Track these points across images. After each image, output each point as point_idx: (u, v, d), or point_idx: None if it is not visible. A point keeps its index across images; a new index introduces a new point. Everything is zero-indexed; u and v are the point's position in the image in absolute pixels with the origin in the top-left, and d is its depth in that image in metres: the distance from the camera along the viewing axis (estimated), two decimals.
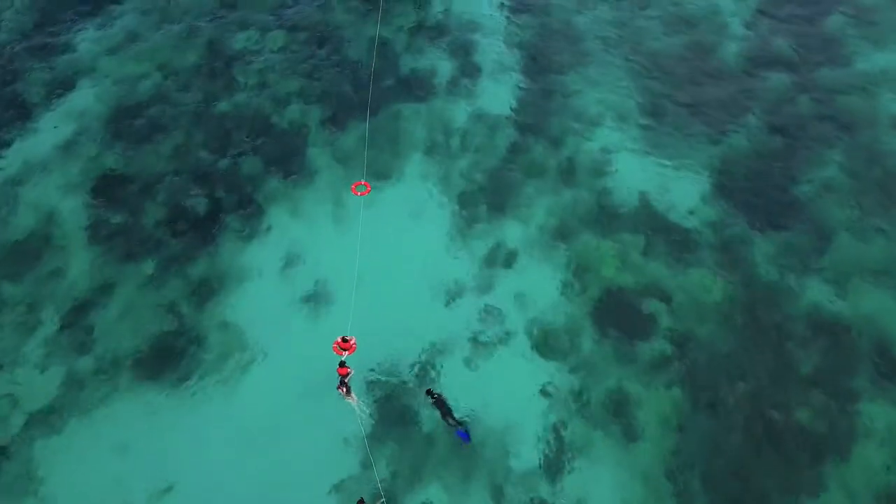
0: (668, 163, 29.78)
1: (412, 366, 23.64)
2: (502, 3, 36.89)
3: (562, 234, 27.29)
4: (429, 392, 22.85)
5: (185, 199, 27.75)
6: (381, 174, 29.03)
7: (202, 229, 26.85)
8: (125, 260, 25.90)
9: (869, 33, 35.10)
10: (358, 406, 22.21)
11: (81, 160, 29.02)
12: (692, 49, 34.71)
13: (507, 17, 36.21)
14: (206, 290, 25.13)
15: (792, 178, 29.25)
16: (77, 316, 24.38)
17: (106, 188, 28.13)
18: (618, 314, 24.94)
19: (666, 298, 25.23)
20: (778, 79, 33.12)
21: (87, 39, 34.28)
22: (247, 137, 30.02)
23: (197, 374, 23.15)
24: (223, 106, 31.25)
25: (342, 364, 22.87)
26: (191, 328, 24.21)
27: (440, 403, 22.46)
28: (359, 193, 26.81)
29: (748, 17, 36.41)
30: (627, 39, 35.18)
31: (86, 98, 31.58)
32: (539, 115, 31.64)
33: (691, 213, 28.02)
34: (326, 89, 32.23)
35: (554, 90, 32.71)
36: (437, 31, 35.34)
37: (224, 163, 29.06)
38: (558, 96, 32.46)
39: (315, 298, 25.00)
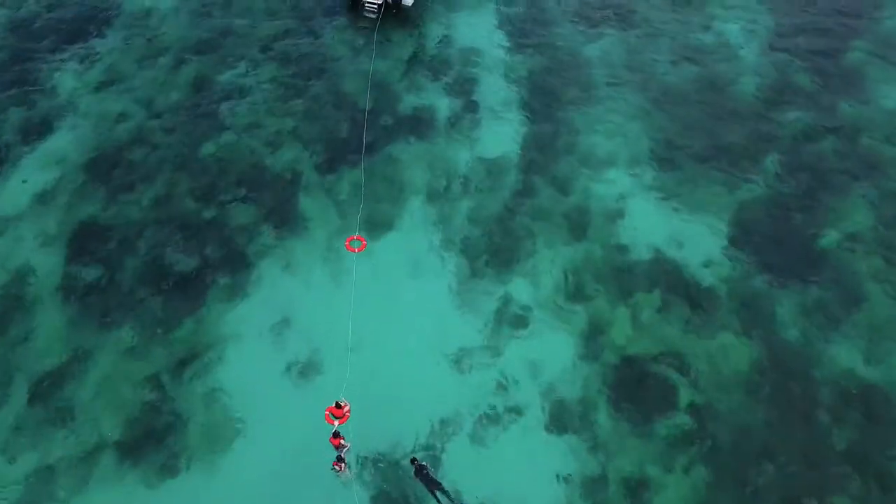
0: (683, 211, 28.04)
1: (413, 443, 21.77)
2: (504, 33, 35.15)
3: (573, 291, 25.49)
4: (413, 461, 20.96)
5: (168, 254, 25.82)
6: (377, 223, 27.19)
7: (187, 287, 24.93)
8: (103, 323, 23.95)
9: (890, 67, 33.52)
10: (352, 478, 20.45)
11: (57, 209, 27.04)
12: (704, 84, 33.01)
13: (509, 48, 34.46)
14: (190, 359, 23.19)
15: (815, 226, 27.56)
16: (49, 389, 22.42)
17: (83, 241, 26.16)
18: (635, 384, 23.15)
19: (685, 366, 23.45)
20: (796, 117, 31.45)
21: (66, 75, 32.30)
22: (235, 184, 28.09)
23: (182, 457, 21.21)
24: (210, 148, 29.33)
25: (336, 434, 21.07)
26: (174, 402, 22.27)
27: (426, 478, 20.52)
28: (353, 249, 24.94)
29: (761, 50, 34.77)
30: (636, 73, 33.46)
31: (64, 140, 29.59)
32: (545, 156, 29.87)
33: (709, 267, 26.26)
34: (320, 129, 30.35)
35: (560, 129, 30.95)
36: (436, 63, 33.54)
37: (210, 212, 27.15)
38: (565, 136, 30.69)
39: (307, 366, 23.09)
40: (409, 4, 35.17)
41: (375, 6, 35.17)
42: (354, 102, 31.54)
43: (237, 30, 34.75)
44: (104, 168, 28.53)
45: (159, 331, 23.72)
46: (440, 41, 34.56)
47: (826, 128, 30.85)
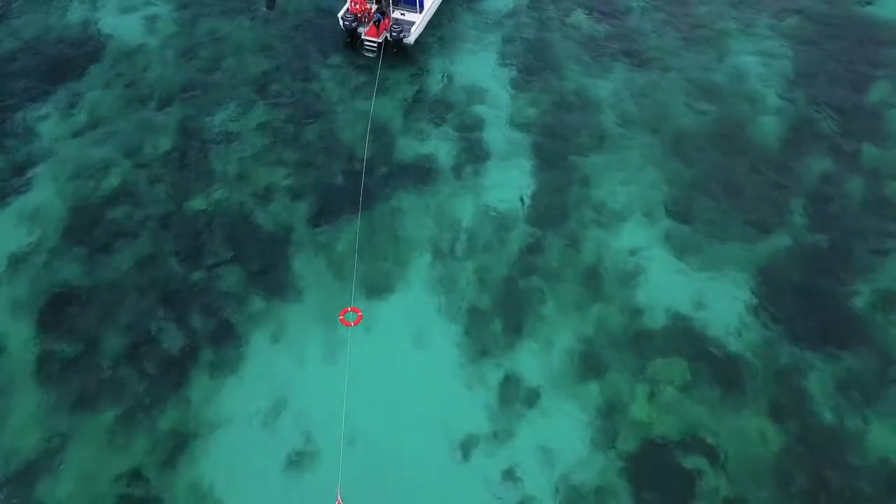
0: (703, 267, 26.24)
1: None
2: (508, 71, 33.31)
3: (588, 362, 23.66)
4: None
5: (151, 325, 23.97)
6: (375, 285, 25.37)
7: (171, 364, 23.06)
8: (80, 406, 22.08)
9: None
10: None
11: (31, 274, 25.19)
12: (721, 126, 31.19)
13: (514, 88, 32.61)
14: (175, 447, 21.31)
15: (846, 284, 25.76)
16: (20, 484, 20.55)
17: (59, 310, 24.31)
18: (656, 471, 21.29)
19: (711, 451, 21.61)
20: (821, 161, 29.66)
21: (45, 119, 30.45)
22: (223, 243, 26.24)
23: None
24: (198, 203, 27.49)
25: None
26: (157, 498, 20.42)
27: None
28: (348, 323, 23.15)
29: (781, 86, 32.96)
30: (649, 115, 31.62)
31: (41, 193, 27.75)
32: (555, 208, 28.04)
33: (733, 333, 24.43)
34: (313, 180, 28.51)
35: (570, 177, 29.12)
36: (438, 105, 31.70)
37: (198, 276, 25.31)
38: (576, 185, 28.87)
39: (301, 458, 21.20)
40: (411, 42, 33.37)
41: (375, 44, 33.36)
42: (351, 149, 29.71)
43: (227, 68, 32.91)
44: (84, 225, 26.68)
45: (141, 416, 21.86)
46: (442, 81, 32.72)
47: (852, 174, 29.05)
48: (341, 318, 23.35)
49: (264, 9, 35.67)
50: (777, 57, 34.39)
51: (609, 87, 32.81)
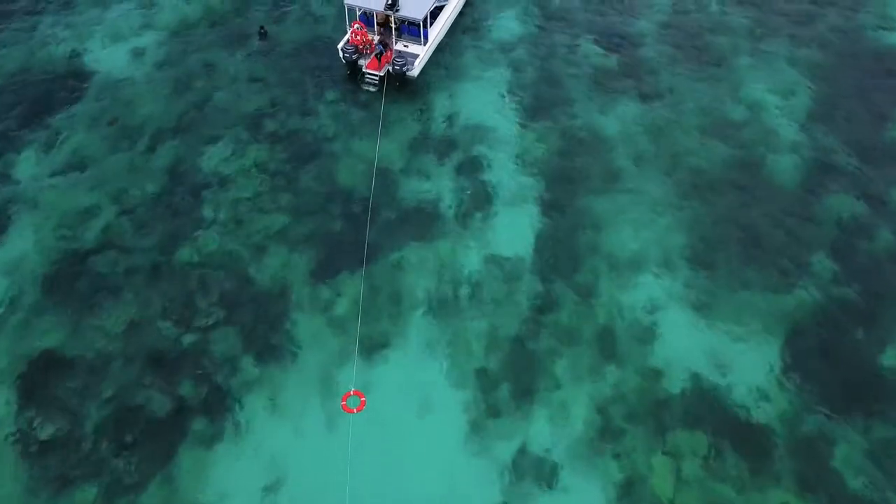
0: (723, 324, 24.81)
1: None
2: (514, 106, 31.85)
3: (604, 432, 22.17)
4: None
5: (136, 395, 22.37)
6: (378, 345, 23.85)
7: (158, 438, 21.47)
8: (60, 488, 20.48)
9: None
10: None
11: (9, 336, 23.57)
12: (738, 166, 29.79)
13: (521, 125, 31.13)
14: None
15: (875, 342, 24.36)
16: None
17: (39, 379, 22.68)
18: None
19: None
20: (844, 203, 28.29)
21: (27, 160, 28.88)
22: (216, 300, 24.68)
23: None
24: (187, 254, 25.91)
25: None
26: None
27: None
28: (350, 409, 21.61)
29: (797, 122, 31.61)
30: (662, 153, 30.20)
31: (21, 243, 26.16)
32: (566, 258, 26.58)
33: (757, 399, 22.97)
34: (312, 228, 26.97)
35: (581, 224, 27.66)
36: (442, 144, 30.18)
37: (188, 338, 23.71)
38: (587, 232, 27.41)
39: None
40: (415, 76, 31.86)
41: (376, 78, 31.82)
42: (351, 193, 28.19)
43: (220, 103, 31.34)
44: (66, 280, 25.08)
45: (124, 497, 20.26)
46: (446, 117, 31.21)
47: (878, 219, 27.68)
48: (343, 403, 21.81)
49: (258, 41, 34.09)
50: (793, 90, 33.03)
51: (620, 122, 31.38)
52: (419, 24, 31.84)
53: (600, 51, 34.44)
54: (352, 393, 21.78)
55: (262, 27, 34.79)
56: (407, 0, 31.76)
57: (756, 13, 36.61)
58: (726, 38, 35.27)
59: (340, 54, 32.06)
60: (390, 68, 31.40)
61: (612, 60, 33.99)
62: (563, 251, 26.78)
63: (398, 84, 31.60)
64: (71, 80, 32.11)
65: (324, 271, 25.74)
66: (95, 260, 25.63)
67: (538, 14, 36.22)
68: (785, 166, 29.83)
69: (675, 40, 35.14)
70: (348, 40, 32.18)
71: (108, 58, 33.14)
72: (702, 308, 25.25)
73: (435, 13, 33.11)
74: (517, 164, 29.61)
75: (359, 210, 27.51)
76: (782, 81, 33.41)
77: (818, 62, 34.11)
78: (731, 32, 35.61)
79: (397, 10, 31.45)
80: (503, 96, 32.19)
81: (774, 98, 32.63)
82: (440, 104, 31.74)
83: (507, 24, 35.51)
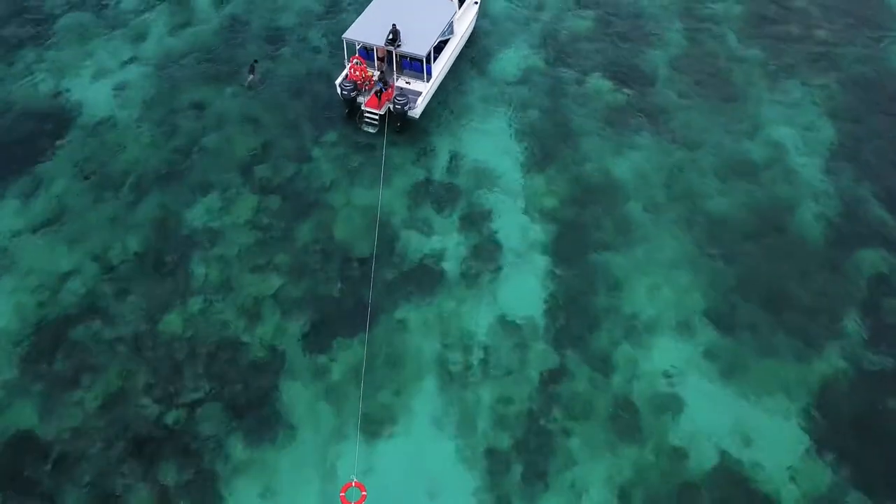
0: (748, 393, 23.13)
1: None
2: (521, 148, 30.08)
3: None
4: None
5: (116, 481, 20.61)
6: (380, 421, 22.11)
7: None
8: None
9: None
10: None
11: None
12: (760, 213, 28.08)
13: (529, 168, 29.35)
14: None
15: None
16: None
17: (11, 463, 20.93)
18: None
19: None
20: (874, 258, 26.57)
21: (4, 215, 27.03)
22: (203, 372, 22.91)
23: None
24: (174, 321, 24.11)
25: None
26: None
27: None
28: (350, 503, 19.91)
29: (822, 162, 29.93)
30: (679, 198, 28.49)
31: None
32: (579, 320, 24.84)
33: (787, 478, 21.29)
34: (309, 289, 25.17)
35: (595, 280, 25.93)
36: (446, 192, 28.39)
37: (172, 416, 21.94)
38: (601, 290, 25.67)
39: None
40: (417, 116, 30.11)
41: (376, 118, 30.07)
42: (350, 249, 26.40)
43: (209, 147, 29.53)
44: (43, 351, 23.29)
45: None
46: (449, 161, 29.42)
47: None
48: (342, 495, 20.07)
49: (249, 76, 32.33)
50: (815, 127, 31.34)
51: (633, 165, 29.64)
52: (422, 60, 30.09)
53: (611, 86, 32.67)
54: (352, 484, 20.05)
55: (254, 61, 33.05)
56: (409, 33, 29.96)
57: (773, 44, 34.85)
58: (743, 71, 33.52)
59: (338, 90, 30.31)
60: (391, 106, 29.65)
61: (624, 97, 32.23)
62: (576, 312, 25.05)
63: (399, 125, 29.83)
64: (52, 122, 30.27)
65: (321, 338, 23.98)
66: (75, 327, 23.82)
67: (545, 46, 34.44)
68: (809, 214, 28.12)
69: (690, 74, 33.38)
70: (346, 75, 30.42)
71: (91, 96, 31.30)
72: (726, 376, 23.56)
73: (439, 47, 31.33)
74: (525, 214, 27.86)
75: (358, 268, 25.76)
76: (803, 117, 31.69)
77: (840, 96, 32.39)
78: (747, 64, 33.85)
79: (399, 46, 29.69)
80: (509, 136, 30.42)
81: (796, 136, 30.90)
82: (442, 147, 29.96)
83: (512, 57, 33.73)
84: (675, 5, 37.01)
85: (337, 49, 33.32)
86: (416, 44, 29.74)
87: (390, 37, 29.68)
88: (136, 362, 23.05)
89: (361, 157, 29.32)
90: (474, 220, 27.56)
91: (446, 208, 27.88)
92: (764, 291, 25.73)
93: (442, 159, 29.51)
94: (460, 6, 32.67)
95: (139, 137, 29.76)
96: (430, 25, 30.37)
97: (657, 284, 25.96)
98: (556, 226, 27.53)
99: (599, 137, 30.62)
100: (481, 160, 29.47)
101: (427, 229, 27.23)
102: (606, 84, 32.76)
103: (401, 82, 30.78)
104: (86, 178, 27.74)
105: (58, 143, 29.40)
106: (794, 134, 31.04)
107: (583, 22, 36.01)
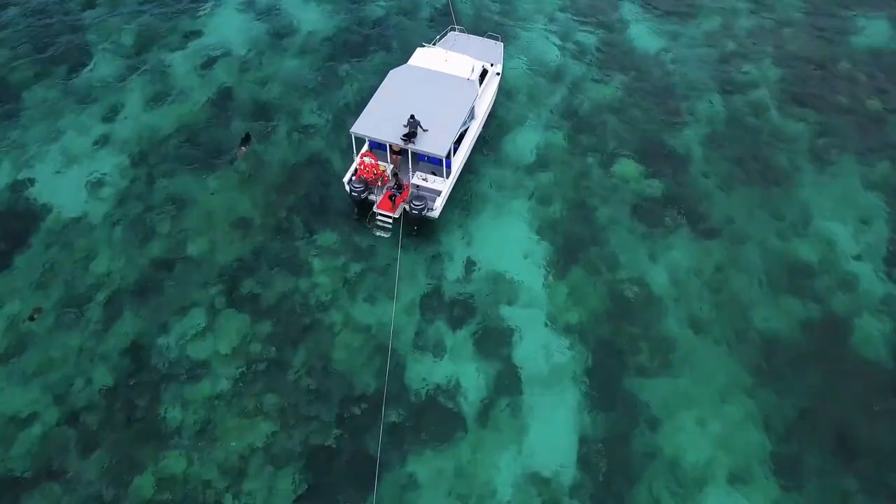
0: None
1: None
2: (543, 250, 26.58)
3: None
4: None
5: None
6: None
7: None
8: None
9: None
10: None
11: None
12: (816, 329, 24.71)
13: (553, 275, 25.87)
14: None
15: None
16: None
17: None
18: None
19: None
20: None
21: None
22: None
23: None
24: (145, 485, 20.49)
25: None
26: None
27: None
28: None
29: (880, 262, 26.56)
30: (725, 315, 25.05)
31: None
32: (617, 471, 21.38)
33: None
34: (303, 439, 21.59)
35: (633, 417, 22.51)
36: (461, 306, 24.88)
37: None
38: (640, 430, 22.25)
39: None
40: (436, 217, 26.52)
41: (390, 221, 26.58)
42: (351, 384, 22.90)
43: (192, 255, 26.02)
44: None
45: None
46: (464, 268, 25.87)
47: None
48: None
49: (241, 148, 29.00)
50: (869, 219, 27.95)
51: (669, 269, 26.20)
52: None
53: (639, 170, 29.23)
54: None
55: (246, 133, 29.72)
56: (426, 125, 26.13)
57: (819, 117, 31.42)
58: (787, 149, 30.10)
59: (347, 189, 26.75)
60: (406, 207, 26.10)
61: (655, 184, 28.80)
62: (613, 461, 21.59)
63: (416, 228, 26.24)
64: (14, 223, 26.81)
65: (315, 500, 20.53)
66: (31, 494, 20.34)
67: (564, 124, 30.98)
68: (872, 331, 24.71)
69: (729, 154, 29.94)
70: (356, 171, 26.92)
71: (59, 190, 27.82)
72: None
73: (459, 136, 27.54)
74: (550, 332, 24.43)
75: (360, 409, 22.30)
76: (855, 206, 28.33)
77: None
78: (791, 142, 30.43)
79: (414, 143, 26.10)
80: (529, 237, 26.91)
81: (847, 231, 27.51)
82: (456, 250, 26.48)
83: (529, 139, 30.26)
84: (704, 69, 33.59)
85: (336, 131, 29.99)
86: (434, 140, 26.09)
87: (406, 132, 26.13)
88: None
89: (363, 264, 25.84)
90: (493, 341, 24.12)
91: (462, 326, 24.43)
92: (828, 426, 22.39)
93: (455, 266, 26.04)
94: (481, 82, 29.04)
95: (112, 243, 26.20)
96: (449, 115, 26.68)
97: (704, 419, 22.55)
98: (585, 347, 24.08)
99: (629, 235, 27.17)
100: (498, 266, 25.99)
101: (440, 353, 23.78)
102: (635, 168, 29.32)
103: (416, 179, 27.14)
104: (30, 318, 24.07)
105: (20, 249, 26.00)
106: (845, 227, 27.62)
107: (605, 89, 32.60)
